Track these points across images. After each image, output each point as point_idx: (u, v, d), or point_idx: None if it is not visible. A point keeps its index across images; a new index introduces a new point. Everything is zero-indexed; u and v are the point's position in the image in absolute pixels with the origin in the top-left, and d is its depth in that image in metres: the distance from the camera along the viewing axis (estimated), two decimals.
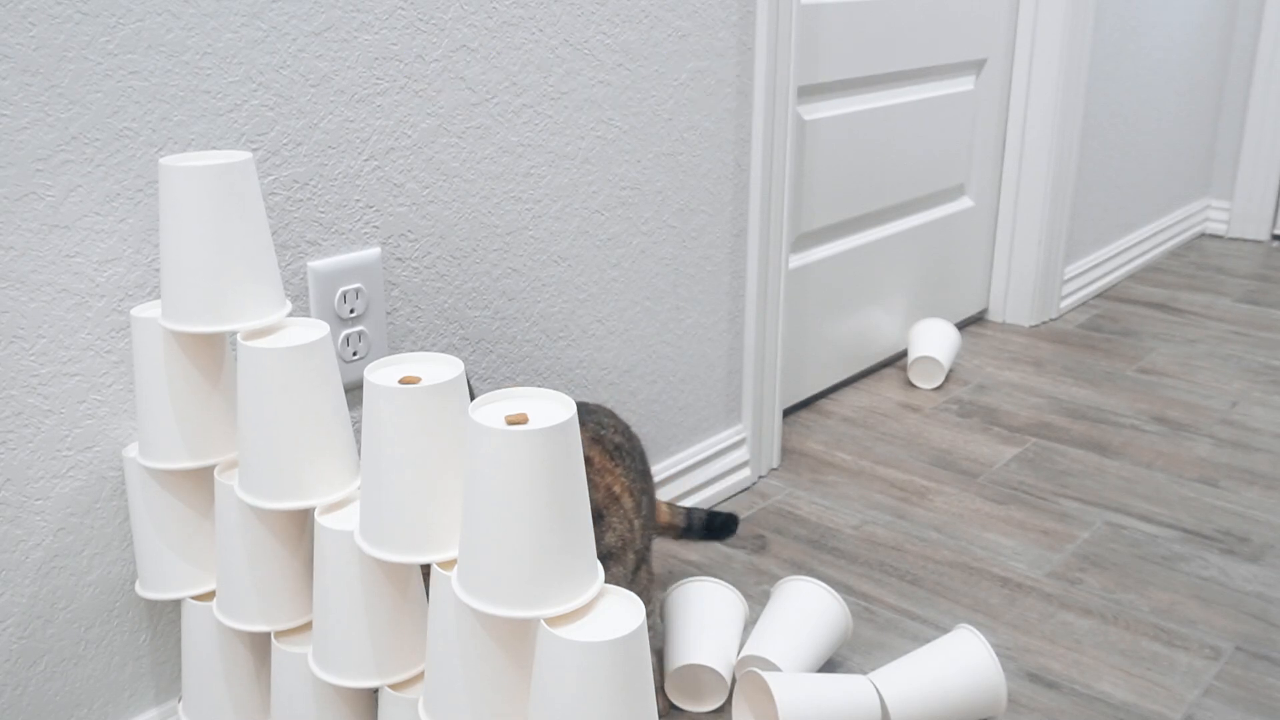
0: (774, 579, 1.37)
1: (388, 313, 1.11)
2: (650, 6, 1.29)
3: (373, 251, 1.07)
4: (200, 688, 0.96)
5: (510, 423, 0.72)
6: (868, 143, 1.84)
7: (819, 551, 1.44)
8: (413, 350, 1.14)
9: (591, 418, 1.11)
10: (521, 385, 1.24)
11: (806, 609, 1.19)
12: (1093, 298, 2.46)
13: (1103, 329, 2.27)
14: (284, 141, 0.98)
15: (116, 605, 0.96)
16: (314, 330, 0.87)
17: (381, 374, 0.80)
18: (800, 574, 1.34)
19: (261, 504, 0.86)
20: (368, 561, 0.83)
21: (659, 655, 1.16)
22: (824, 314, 1.86)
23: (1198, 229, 2.98)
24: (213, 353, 0.89)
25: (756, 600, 1.33)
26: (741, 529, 1.49)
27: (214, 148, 0.93)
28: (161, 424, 0.89)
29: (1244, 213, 2.93)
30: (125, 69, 0.87)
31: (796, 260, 1.77)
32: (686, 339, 1.48)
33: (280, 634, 0.92)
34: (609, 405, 1.40)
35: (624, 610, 0.74)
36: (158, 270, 0.92)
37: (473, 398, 0.95)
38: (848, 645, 1.25)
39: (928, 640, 1.26)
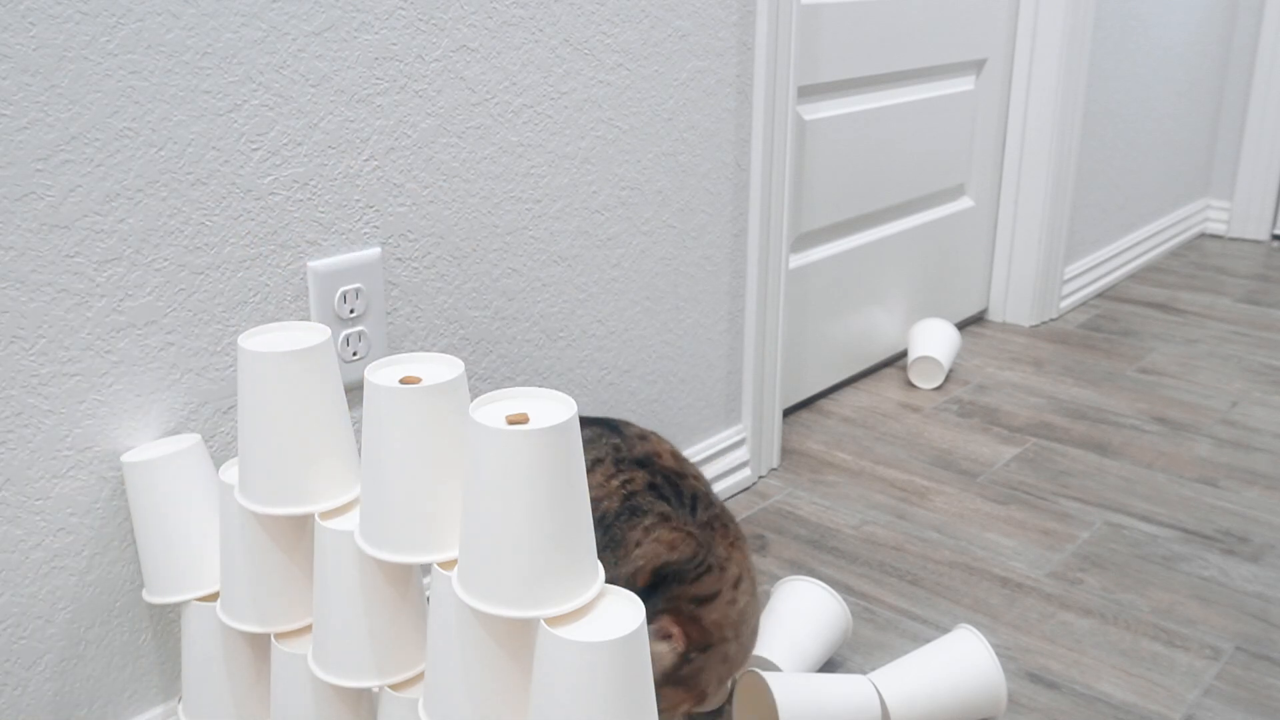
0: (774, 579, 1.37)
1: (387, 313, 1.11)
2: (650, 6, 1.29)
3: (373, 251, 1.07)
4: (200, 688, 0.96)
5: (511, 423, 0.72)
6: (868, 143, 1.84)
7: (819, 551, 1.44)
8: (413, 350, 1.14)
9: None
10: (521, 385, 1.24)
11: (806, 609, 1.19)
12: (1093, 298, 2.46)
13: (1103, 329, 2.27)
14: (284, 141, 0.98)
15: (116, 605, 0.96)
16: (315, 334, 0.87)
17: (382, 374, 0.80)
18: (800, 574, 1.34)
19: (261, 509, 0.86)
20: (368, 561, 0.83)
21: None
22: (824, 314, 1.86)
23: (1198, 229, 2.98)
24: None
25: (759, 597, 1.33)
26: (742, 529, 1.49)
27: (214, 148, 0.93)
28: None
29: (1244, 213, 2.93)
30: (125, 69, 0.86)
31: (796, 260, 1.77)
32: (686, 339, 1.48)
33: (280, 635, 0.92)
34: (609, 405, 1.39)
35: (624, 610, 0.74)
36: (157, 271, 0.92)
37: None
38: (848, 645, 1.25)
39: (928, 640, 1.26)
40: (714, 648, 0.98)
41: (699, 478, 1.08)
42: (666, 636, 0.95)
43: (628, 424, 1.12)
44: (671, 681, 0.97)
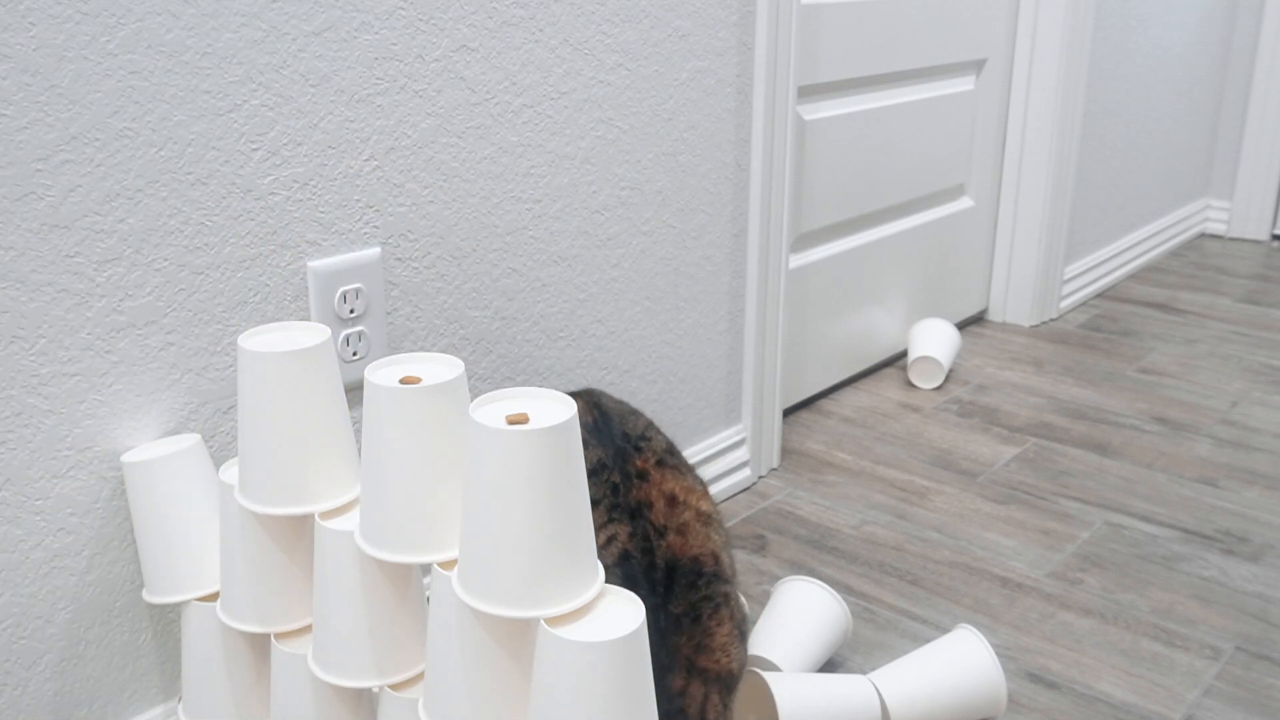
0: (774, 579, 1.37)
1: (388, 313, 1.11)
2: (650, 6, 1.29)
3: (373, 251, 1.07)
4: (200, 688, 0.96)
5: (511, 423, 0.72)
6: (868, 143, 1.84)
7: (819, 551, 1.44)
8: (413, 350, 1.14)
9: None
10: (521, 385, 1.24)
11: (806, 609, 1.19)
12: (1093, 298, 2.46)
13: (1103, 329, 2.27)
14: (284, 141, 0.98)
15: (116, 605, 0.96)
16: (315, 334, 0.87)
17: (382, 374, 0.80)
18: (800, 574, 1.34)
19: (261, 509, 0.86)
20: (368, 561, 0.83)
21: None
22: (824, 314, 1.86)
23: (1198, 229, 2.98)
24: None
25: (757, 600, 1.33)
26: (742, 529, 1.49)
27: (214, 148, 0.93)
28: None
29: (1244, 213, 2.93)
30: (125, 69, 0.87)
31: (796, 260, 1.77)
32: (686, 339, 1.48)
33: (280, 635, 0.92)
34: None
35: (624, 610, 0.74)
36: (157, 271, 0.92)
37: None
38: (848, 645, 1.25)
39: (928, 640, 1.26)
40: None
41: (688, 528, 1.02)
42: None
43: (640, 443, 1.07)
44: None
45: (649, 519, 1.00)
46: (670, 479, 1.05)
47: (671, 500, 1.03)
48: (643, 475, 1.04)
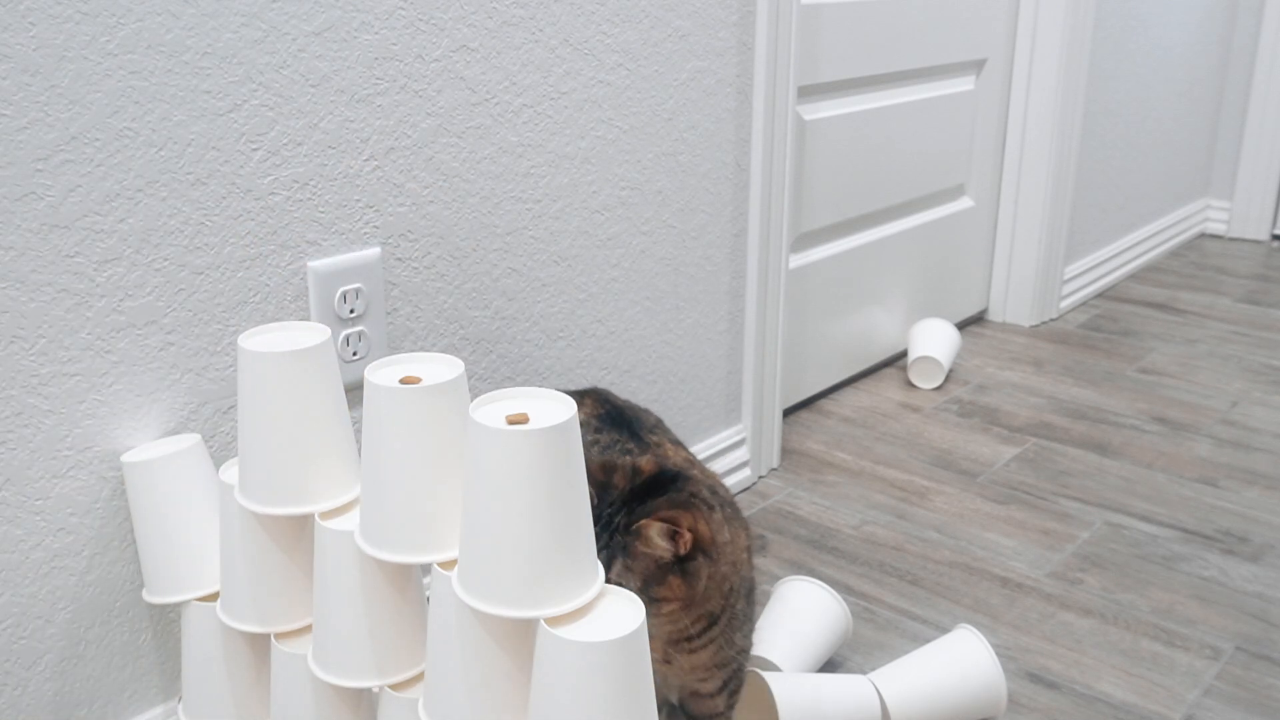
0: (774, 579, 1.37)
1: (388, 313, 1.11)
2: (650, 6, 1.29)
3: (373, 251, 1.07)
4: (200, 688, 0.96)
5: (511, 423, 0.72)
6: (868, 143, 1.84)
7: (819, 551, 1.44)
8: (413, 350, 1.14)
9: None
10: (521, 385, 1.24)
11: (806, 609, 1.19)
12: (1093, 298, 2.46)
13: (1103, 329, 2.27)
14: (284, 141, 0.98)
15: (116, 605, 0.96)
16: (315, 334, 0.87)
17: (382, 374, 0.80)
18: (800, 574, 1.34)
19: (261, 509, 0.86)
20: (368, 561, 0.83)
21: None
22: (824, 314, 1.86)
23: (1198, 229, 2.98)
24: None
25: (757, 600, 1.33)
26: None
27: (214, 148, 0.93)
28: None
29: (1244, 213, 2.93)
30: (125, 69, 0.87)
31: (796, 260, 1.77)
32: (686, 339, 1.48)
33: (280, 635, 0.92)
34: None
35: (624, 610, 0.74)
36: (157, 271, 0.92)
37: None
38: (848, 645, 1.25)
39: (928, 640, 1.26)
40: (709, 554, 0.96)
41: (704, 474, 1.08)
42: (673, 535, 0.93)
43: (654, 430, 1.11)
44: (676, 572, 0.94)
45: (668, 462, 1.04)
46: (684, 453, 1.09)
47: (689, 461, 1.07)
48: (658, 445, 1.08)
